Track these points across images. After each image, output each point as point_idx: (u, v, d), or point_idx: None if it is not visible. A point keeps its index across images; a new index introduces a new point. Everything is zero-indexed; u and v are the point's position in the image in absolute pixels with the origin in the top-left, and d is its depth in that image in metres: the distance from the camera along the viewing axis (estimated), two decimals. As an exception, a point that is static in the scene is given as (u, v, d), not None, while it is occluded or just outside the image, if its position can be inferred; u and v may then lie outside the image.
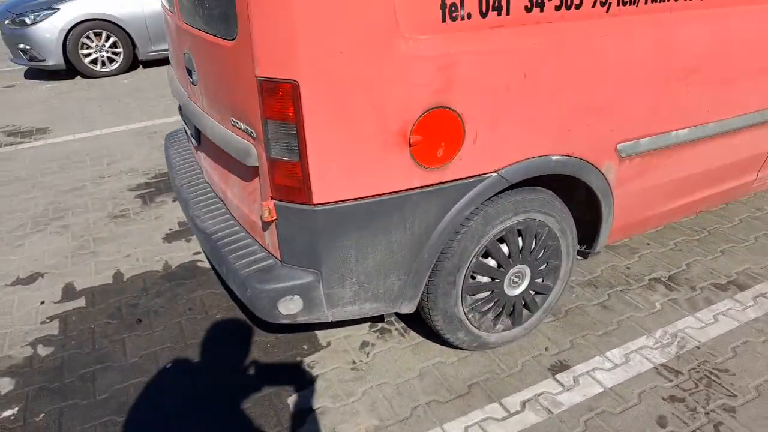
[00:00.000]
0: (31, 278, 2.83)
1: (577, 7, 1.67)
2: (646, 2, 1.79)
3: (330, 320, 1.77)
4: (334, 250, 1.61)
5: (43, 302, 2.62)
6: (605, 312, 2.29)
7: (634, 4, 1.77)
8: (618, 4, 1.74)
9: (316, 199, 1.52)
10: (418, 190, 1.62)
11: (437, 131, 1.56)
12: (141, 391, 2.04)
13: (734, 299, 2.30)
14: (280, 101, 1.42)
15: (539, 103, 1.68)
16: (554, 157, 1.79)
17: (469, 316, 1.97)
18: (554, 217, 1.96)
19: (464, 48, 1.52)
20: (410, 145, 1.54)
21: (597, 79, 1.75)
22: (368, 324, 2.32)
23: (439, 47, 1.49)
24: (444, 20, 1.48)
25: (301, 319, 1.73)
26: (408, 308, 1.84)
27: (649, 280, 2.47)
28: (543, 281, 2.11)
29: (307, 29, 1.34)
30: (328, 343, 2.23)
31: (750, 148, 2.33)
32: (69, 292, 2.69)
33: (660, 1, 1.81)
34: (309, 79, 1.38)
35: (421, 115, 1.52)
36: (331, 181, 1.51)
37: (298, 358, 2.16)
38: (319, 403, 1.94)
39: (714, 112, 2.09)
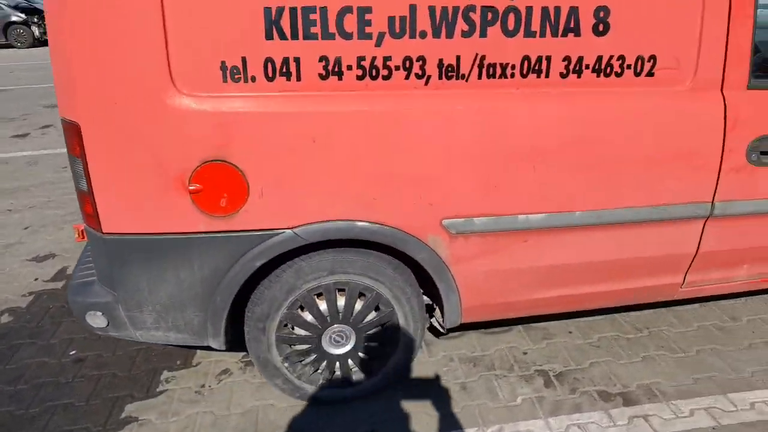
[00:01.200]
0: (45, 257, 3.32)
1: (386, 78, 1.60)
2: (479, 77, 1.65)
3: (141, 340, 1.86)
4: (126, 277, 1.71)
5: (36, 279, 3.07)
6: (460, 393, 2.06)
7: (462, 78, 1.64)
8: (440, 78, 1.63)
9: (104, 229, 1.64)
10: (204, 235, 1.66)
11: (217, 182, 1.59)
12: (34, 367, 2.30)
13: (607, 413, 1.92)
14: (71, 139, 1.57)
15: (333, 168, 1.63)
16: (359, 223, 1.70)
17: (286, 365, 1.92)
18: (383, 283, 1.85)
19: (246, 108, 1.55)
20: (190, 192, 1.59)
21: (407, 151, 1.65)
22: (243, 353, 2.36)
23: (218, 105, 1.54)
24: (225, 81, 1.53)
25: (114, 334, 1.85)
26: (216, 344, 1.86)
27: (535, 371, 2.17)
28: (381, 346, 1.98)
29: (84, 80, 1.48)
30: (198, 363, 2.31)
31: (659, 246, 1.96)
32: (59, 275, 3.10)
33: (500, 77, 1.66)
34: (88, 122, 1.52)
35: (198, 166, 1.57)
36: (118, 215, 1.62)
37: (164, 371, 2.27)
38: (146, 415, 2.02)
39: (584, 201, 1.81)
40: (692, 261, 2.03)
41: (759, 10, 1.77)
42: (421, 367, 2.22)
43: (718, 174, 1.86)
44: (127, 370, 2.28)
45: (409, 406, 2.02)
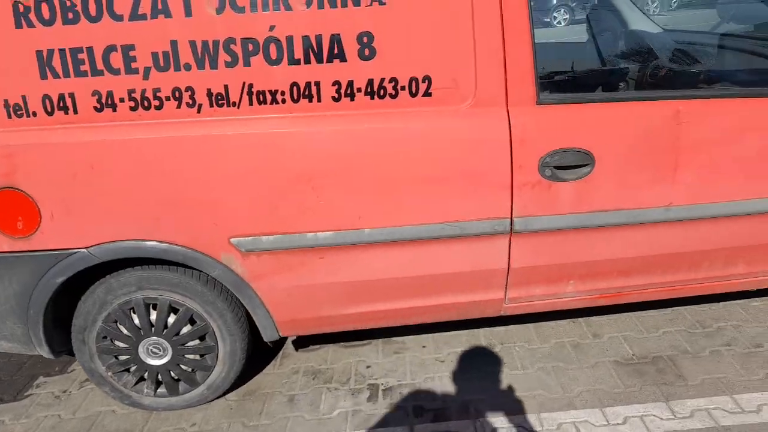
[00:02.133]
0: None
1: (158, 108, 1.73)
2: (251, 104, 1.74)
3: (-16, 348, 2.06)
4: (-47, 289, 1.91)
5: None
6: (285, 405, 2.13)
7: (234, 106, 1.74)
8: (212, 106, 1.73)
9: (-69, 246, 1.85)
10: (9, 254, 1.83)
11: (11, 207, 1.76)
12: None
13: (411, 428, 1.94)
14: None
15: (116, 192, 1.76)
16: (148, 243, 1.83)
17: (110, 373, 2.07)
18: (192, 298, 1.96)
19: (29, 141, 1.72)
20: (-10, 216, 1.77)
21: (184, 175, 1.75)
22: (115, 362, 2.52)
23: (4, 139, 1.71)
24: (10, 116, 1.71)
25: None
26: (44, 353, 2.02)
27: (368, 384, 2.21)
28: (202, 358, 2.09)
29: None
30: (72, 371, 2.50)
31: (466, 263, 1.96)
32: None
33: (271, 104, 1.74)
34: None
35: (-7, 193, 1.75)
36: (-63, 234, 1.83)
37: (40, 376, 2.47)
38: (2, 416, 2.22)
39: (372, 219, 1.84)
40: (507, 277, 2.01)
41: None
42: (263, 378, 2.31)
43: (512, 190, 1.85)
44: (10, 376, 2.50)
45: (230, 416, 2.11)
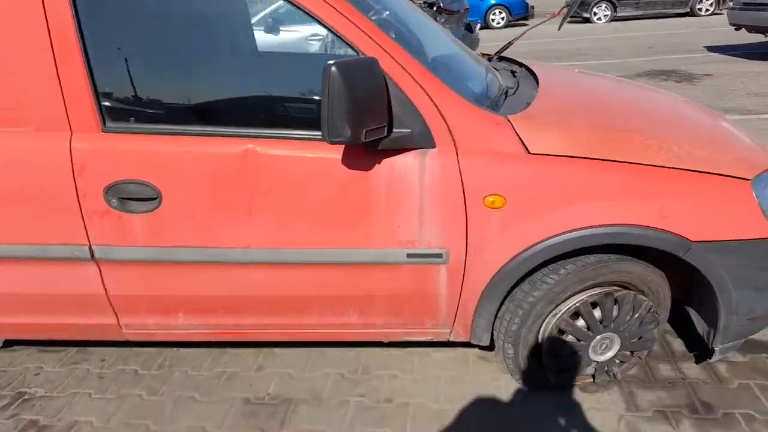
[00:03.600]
0: None
1: None
2: None
3: None
4: None
5: None
6: (-74, 403, 2.19)
7: None
8: None
9: None
10: None
11: None
12: None
13: (-7, 443, 1.95)
14: None
15: None
16: None
17: None
18: None
19: None
20: None
21: None
22: None
23: None
24: None
25: None
26: None
27: (17, 392, 2.23)
28: None
29: None
30: None
31: (63, 285, 1.91)
32: None
33: None
34: None
35: None
36: None
37: None
38: None
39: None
40: (111, 303, 1.96)
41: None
42: (-58, 374, 2.38)
43: (82, 218, 1.80)
44: None
45: None
